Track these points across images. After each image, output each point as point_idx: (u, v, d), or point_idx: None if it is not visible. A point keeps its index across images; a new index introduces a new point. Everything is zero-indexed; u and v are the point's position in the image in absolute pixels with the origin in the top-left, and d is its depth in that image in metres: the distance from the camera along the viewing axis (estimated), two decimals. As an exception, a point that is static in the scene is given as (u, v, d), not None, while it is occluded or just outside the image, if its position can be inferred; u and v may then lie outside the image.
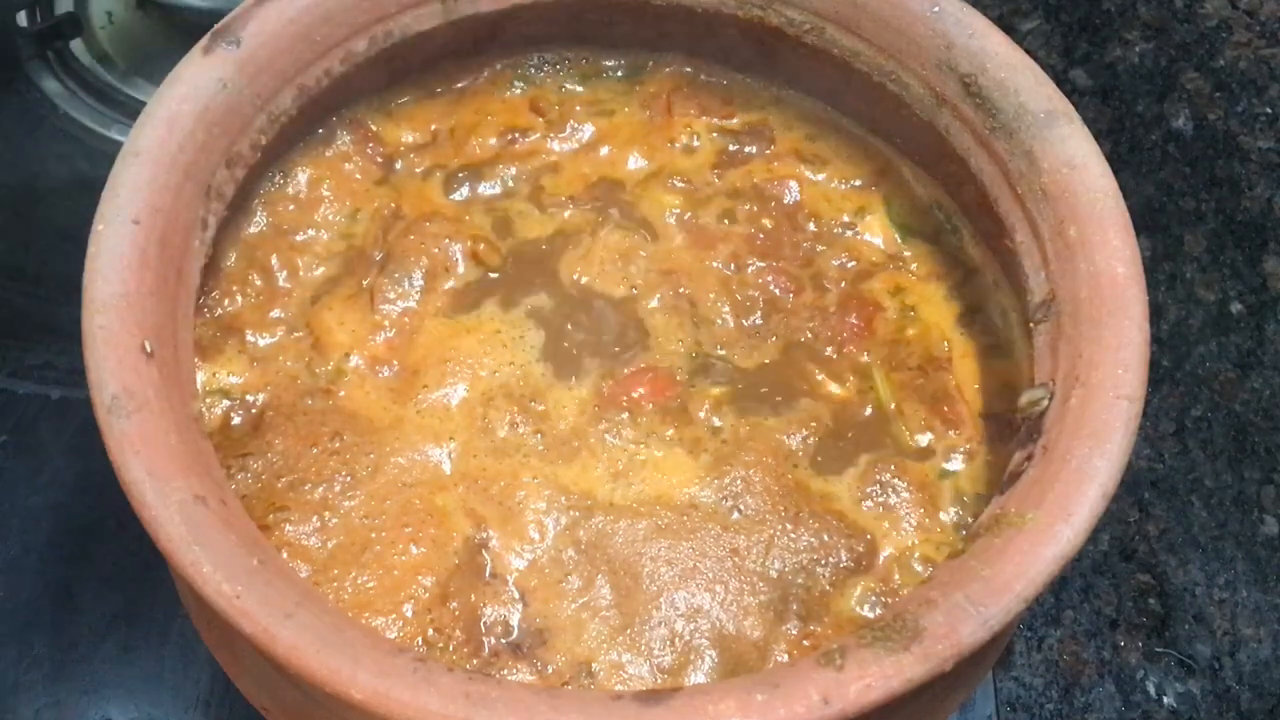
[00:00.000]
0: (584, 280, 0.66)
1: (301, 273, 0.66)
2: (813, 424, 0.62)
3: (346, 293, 0.65)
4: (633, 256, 0.67)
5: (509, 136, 0.71)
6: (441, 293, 0.65)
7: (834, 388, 0.64)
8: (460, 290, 0.66)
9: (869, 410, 0.63)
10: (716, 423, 0.62)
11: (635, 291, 0.66)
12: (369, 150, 0.69)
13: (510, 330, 0.65)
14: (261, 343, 0.63)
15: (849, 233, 0.69)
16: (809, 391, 0.63)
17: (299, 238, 0.67)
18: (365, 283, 0.65)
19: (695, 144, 0.72)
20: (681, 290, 0.66)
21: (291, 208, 0.67)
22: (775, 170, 0.71)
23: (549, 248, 0.68)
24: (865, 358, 0.64)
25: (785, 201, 0.70)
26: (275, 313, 0.64)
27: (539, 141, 0.71)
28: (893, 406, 0.63)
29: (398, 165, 0.70)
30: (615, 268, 0.67)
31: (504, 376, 0.63)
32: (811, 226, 0.69)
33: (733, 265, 0.67)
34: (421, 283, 0.65)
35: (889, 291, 0.67)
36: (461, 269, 0.66)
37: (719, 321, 0.66)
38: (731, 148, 0.71)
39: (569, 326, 0.65)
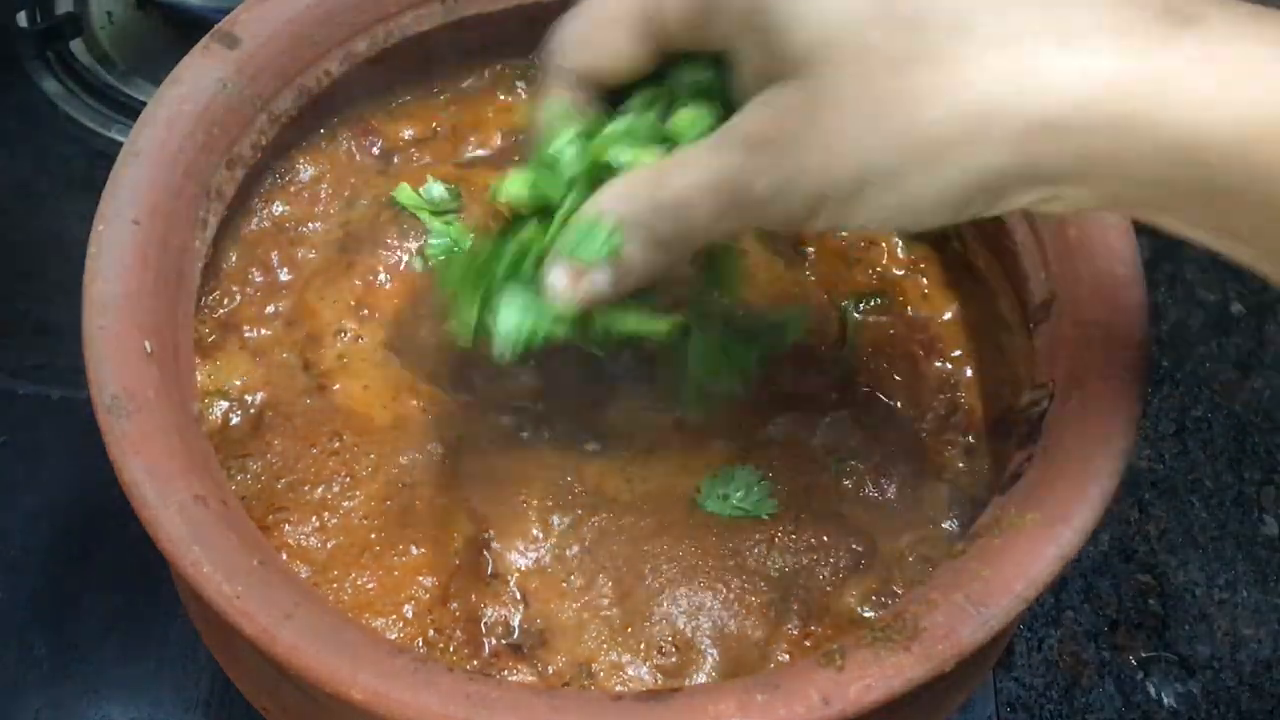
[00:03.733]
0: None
1: (301, 265, 0.66)
2: (844, 423, 0.62)
3: (337, 270, 0.65)
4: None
5: (508, 135, 0.71)
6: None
7: (898, 401, 0.64)
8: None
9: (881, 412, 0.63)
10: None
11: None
12: (367, 143, 0.69)
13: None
14: (259, 335, 0.63)
15: (862, 242, 0.69)
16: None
17: (300, 232, 0.67)
18: (353, 258, 0.65)
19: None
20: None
21: (292, 206, 0.67)
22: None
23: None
24: (950, 366, 0.64)
25: None
26: (272, 307, 0.64)
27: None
28: (897, 404, 0.63)
29: (396, 159, 0.70)
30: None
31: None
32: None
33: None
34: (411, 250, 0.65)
35: (918, 302, 0.67)
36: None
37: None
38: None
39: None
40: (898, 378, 0.64)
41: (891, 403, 0.63)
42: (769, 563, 0.58)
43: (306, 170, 0.68)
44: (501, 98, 0.72)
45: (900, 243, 0.68)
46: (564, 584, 0.57)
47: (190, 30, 0.65)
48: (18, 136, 0.98)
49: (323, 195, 0.68)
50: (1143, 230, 0.50)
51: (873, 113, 0.40)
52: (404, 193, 0.67)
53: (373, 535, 0.58)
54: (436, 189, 0.67)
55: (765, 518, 0.59)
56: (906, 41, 0.39)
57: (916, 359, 0.64)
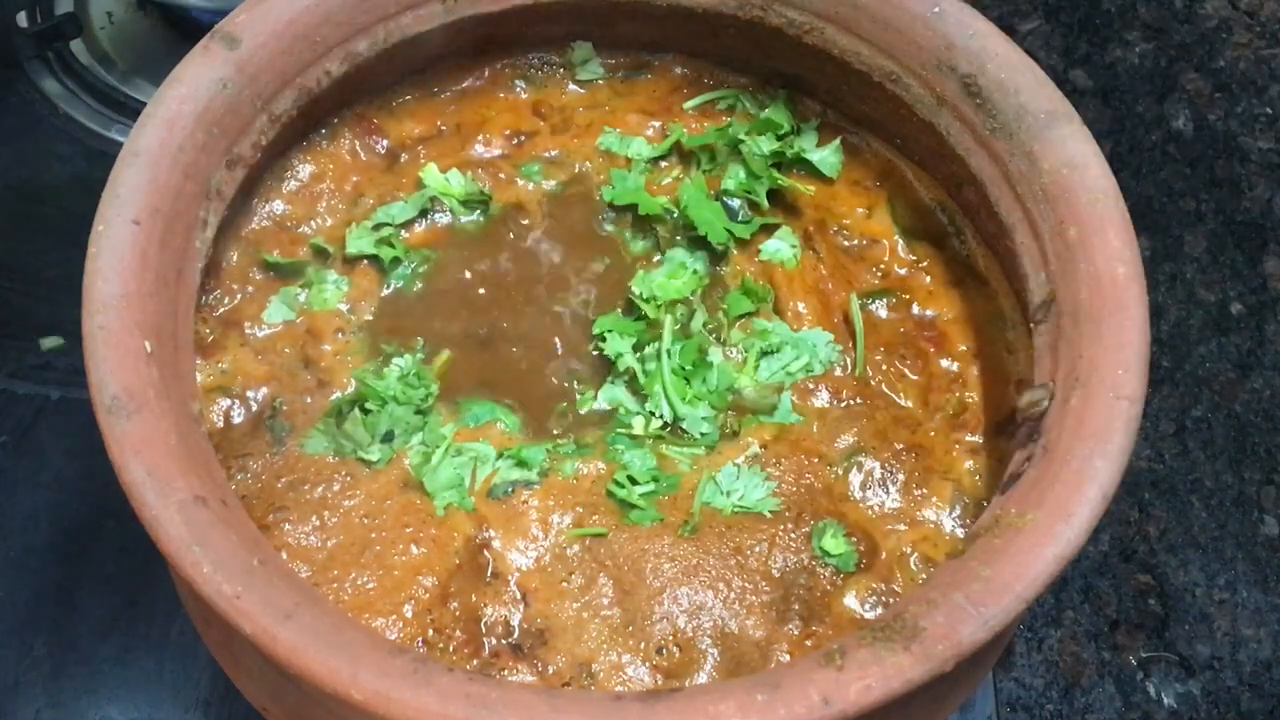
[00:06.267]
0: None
1: (301, 260, 0.66)
2: (862, 423, 0.62)
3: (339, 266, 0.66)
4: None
5: (511, 137, 0.71)
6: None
7: (900, 399, 0.64)
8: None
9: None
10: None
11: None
12: (371, 141, 0.69)
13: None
14: (261, 333, 0.63)
15: (864, 240, 0.69)
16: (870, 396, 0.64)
17: (301, 230, 0.67)
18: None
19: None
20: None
21: (293, 205, 0.67)
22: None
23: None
24: (952, 365, 0.65)
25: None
26: (273, 302, 0.64)
27: (539, 140, 0.71)
28: (904, 400, 0.63)
29: (403, 158, 0.70)
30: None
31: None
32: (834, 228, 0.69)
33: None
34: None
35: (922, 300, 0.67)
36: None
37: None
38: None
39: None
40: (909, 376, 0.64)
41: (902, 401, 0.63)
42: (770, 562, 0.58)
43: (307, 169, 0.68)
44: (501, 97, 0.72)
45: (901, 241, 0.68)
46: (564, 583, 0.57)
47: (190, 30, 0.65)
48: (18, 136, 0.98)
49: (324, 194, 0.68)
50: (1142, 230, 0.50)
51: None
52: (431, 174, 0.68)
53: (373, 535, 0.58)
54: (456, 178, 0.68)
55: (767, 515, 0.59)
56: None
57: (927, 356, 0.64)
